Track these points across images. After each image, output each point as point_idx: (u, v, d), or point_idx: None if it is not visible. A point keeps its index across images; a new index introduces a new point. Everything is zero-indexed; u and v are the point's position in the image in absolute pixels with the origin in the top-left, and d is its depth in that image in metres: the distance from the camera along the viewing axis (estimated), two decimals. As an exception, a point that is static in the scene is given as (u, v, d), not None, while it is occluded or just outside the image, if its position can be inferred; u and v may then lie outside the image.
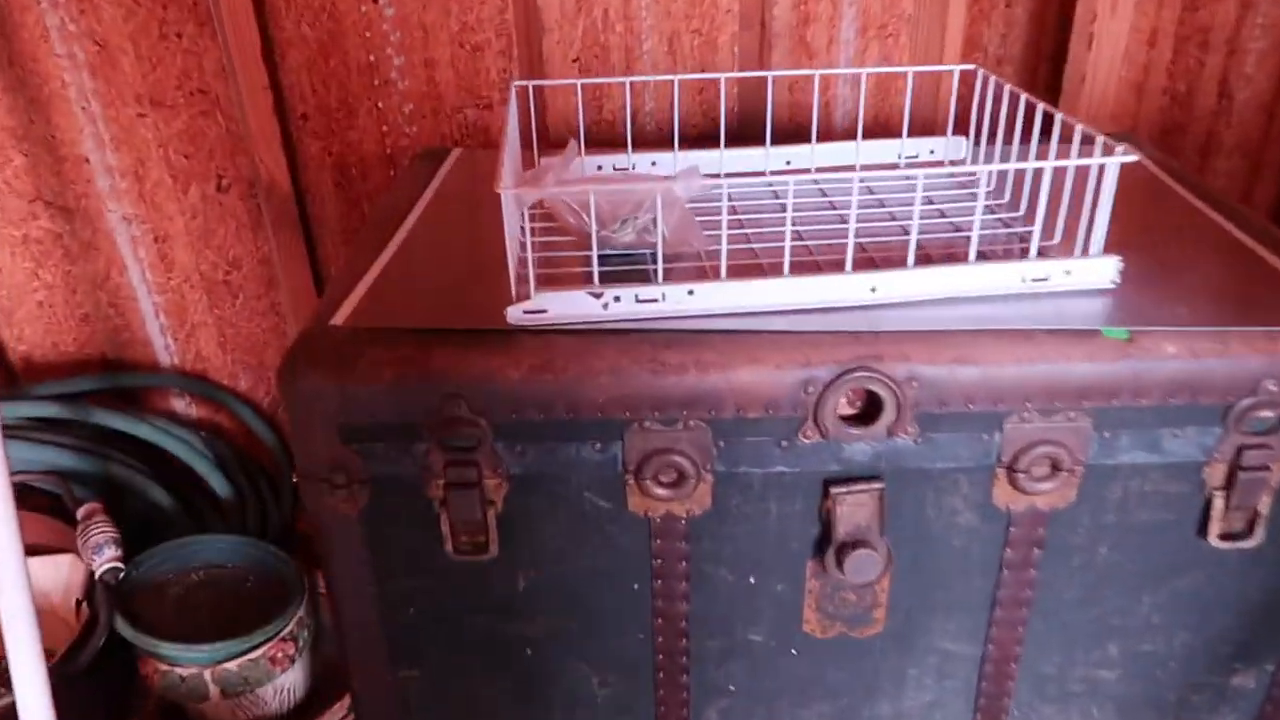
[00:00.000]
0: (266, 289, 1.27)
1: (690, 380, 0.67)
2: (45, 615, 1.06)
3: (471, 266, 0.79)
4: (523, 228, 0.65)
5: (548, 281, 0.71)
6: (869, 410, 0.68)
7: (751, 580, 0.75)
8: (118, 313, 1.22)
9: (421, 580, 0.74)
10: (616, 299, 0.70)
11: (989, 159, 0.93)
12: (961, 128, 0.96)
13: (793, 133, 1.18)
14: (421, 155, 1.08)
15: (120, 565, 0.93)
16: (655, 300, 0.70)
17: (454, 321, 0.70)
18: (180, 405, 1.30)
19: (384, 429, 0.68)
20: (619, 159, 0.96)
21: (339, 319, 0.71)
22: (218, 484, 1.12)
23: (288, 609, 0.96)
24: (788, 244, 0.70)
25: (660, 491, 0.70)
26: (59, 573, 1.01)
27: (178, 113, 1.13)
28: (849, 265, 0.71)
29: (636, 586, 0.74)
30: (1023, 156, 0.82)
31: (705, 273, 0.75)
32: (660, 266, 0.70)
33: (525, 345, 0.68)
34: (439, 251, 0.82)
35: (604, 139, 1.19)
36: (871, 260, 0.77)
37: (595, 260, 0.69)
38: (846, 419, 0.68)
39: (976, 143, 0.94)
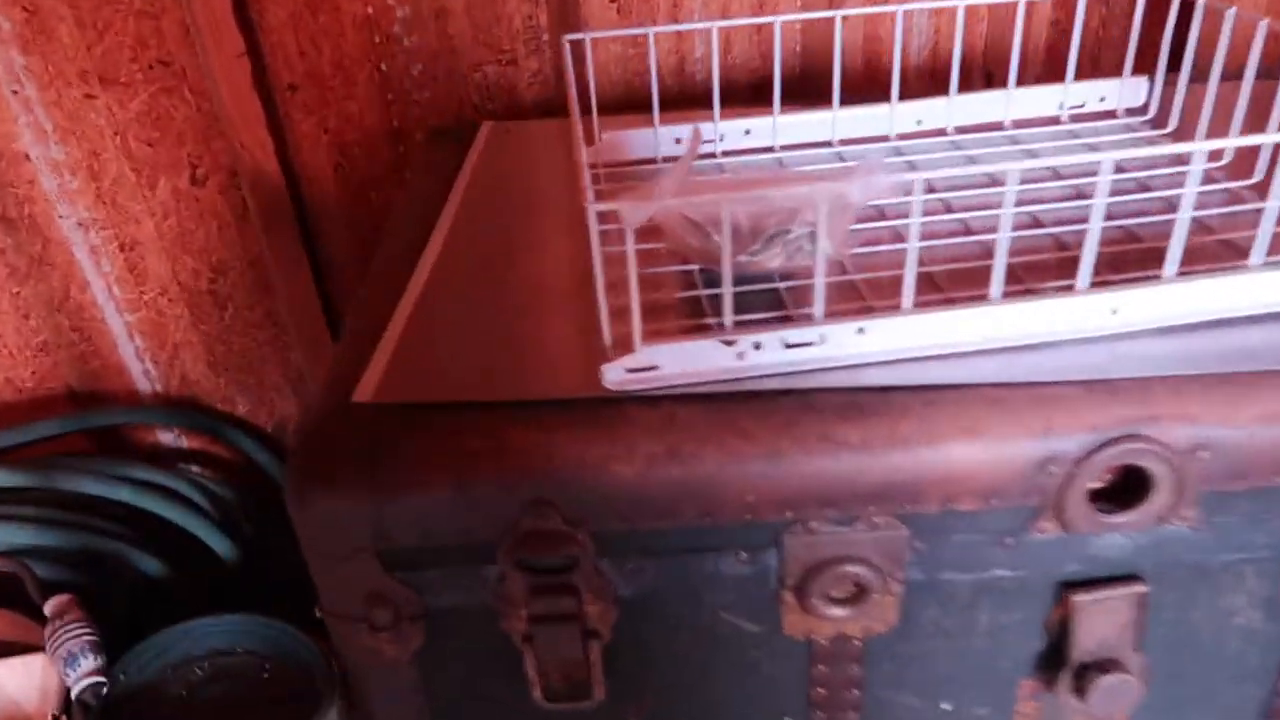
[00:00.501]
0: (260, 295, 1.06)
1: (877, 465, 0.47)
2: (20, 725, 0.87)
3: (536, 302, 0.58)
4: (626, 253, 0.44)
5: (649, 321, 0.50)
6: (1130, 487, 0.48)
7: (945, 707, 0.55)
8: (82, 337, 1.01)
9: (504, 735, 0.55)
10: (756, 346, 0.49)
11: (1170, 104, 0.70)
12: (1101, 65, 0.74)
13: (863, 85, 0.95)
14: (439, 134, 0.87)
15: (101, 679, 0.74)
16: (811, 344, 0.49)
17: (529, 389, 0.50)
18: (167, 439, 1.10)
19: (441, 551, 0.48)
20: (702, 127, 0.73)
21: (363, 394, 0.51)
22: (218, 545, 0.92)
23: (315, 713, 0.77)
24: (1003, 251, 0.49)
25: (831, 611, 0.50)
26: (31, 678, 0.82)
27: (135, 91, 0.91)
28: (1083, 278, 0.50)
29: (789, 723, 0.55)
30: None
31: (858, 298, 0.53)
32: (820, 296, 0.48)
33: (637, 421, 0.48)
34: (487, 280, 0.61)
35: (642, 101, 0.96)
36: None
37: (728, 296, 0.48)
38: (1097, 499, 0.48)
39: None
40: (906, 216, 0.48)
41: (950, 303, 0.50)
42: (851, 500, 0.47)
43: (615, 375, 0.49)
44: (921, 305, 0.49)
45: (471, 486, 0.47)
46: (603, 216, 0.46)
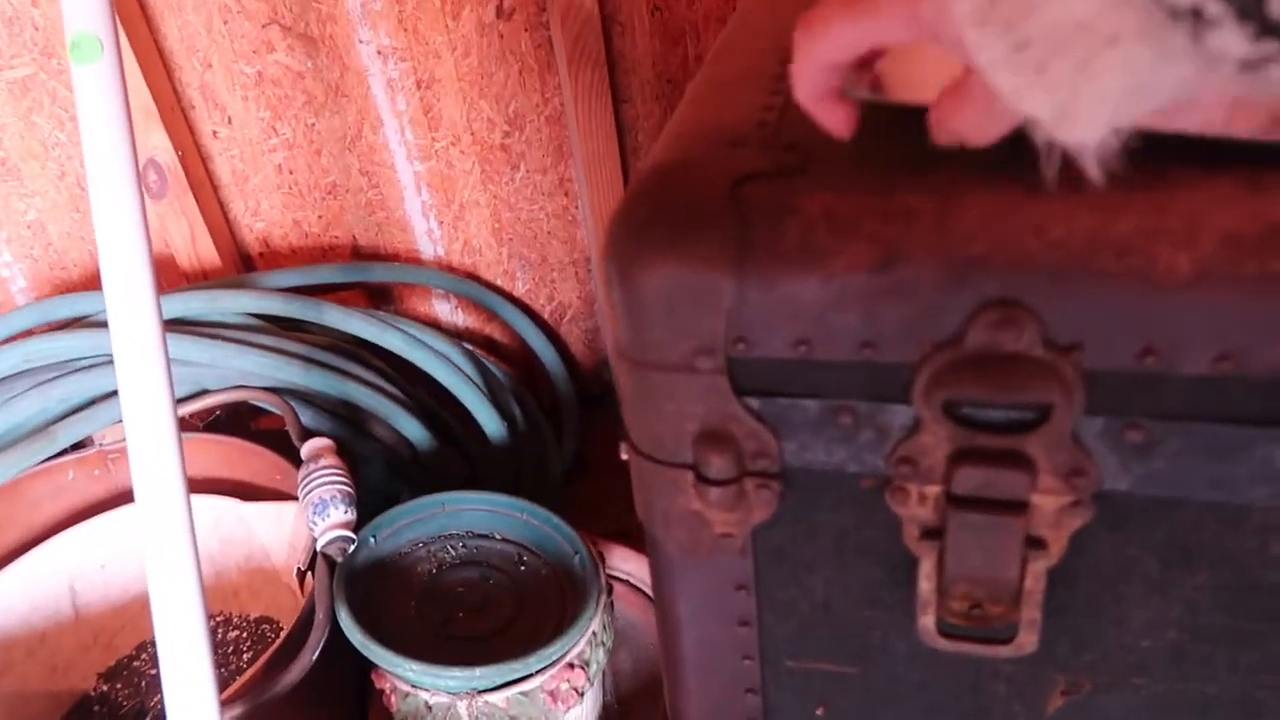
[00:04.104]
0: (555, 159, 0.95)
1: None
2: (265, 578, 0.81)
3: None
4: None
5: None
6: None
7: None
8: (370, 184, 0.93)
9: (864, 678, 0.37)
10: None
11: None
12: None
13: None
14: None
15: (350, 534, 0.65)
16: None
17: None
18: (444, 310, 1.02)
19: (824, 373, 0.31)
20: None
21: (729, 137, 0.34)
22: (486, 419, 0.81)
23: (578, 618, 0.64)
24: None
25: None
26: (282, 525, 0.75)
27: (450, -101, 0.81)
28: None
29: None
30: None
31: None
32: None
33: (1204, 182, 0.28)
34: None
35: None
36: None
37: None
38: None
39: None
40: None
41: None
42: None
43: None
44: None
45: (896, 265, 0.29)
46: None
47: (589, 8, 0.82)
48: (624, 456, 0.36)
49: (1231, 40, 0.22)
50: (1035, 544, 0.32)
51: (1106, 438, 0.30)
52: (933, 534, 0.33)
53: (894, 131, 0.31)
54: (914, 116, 0.29)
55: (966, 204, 0.29)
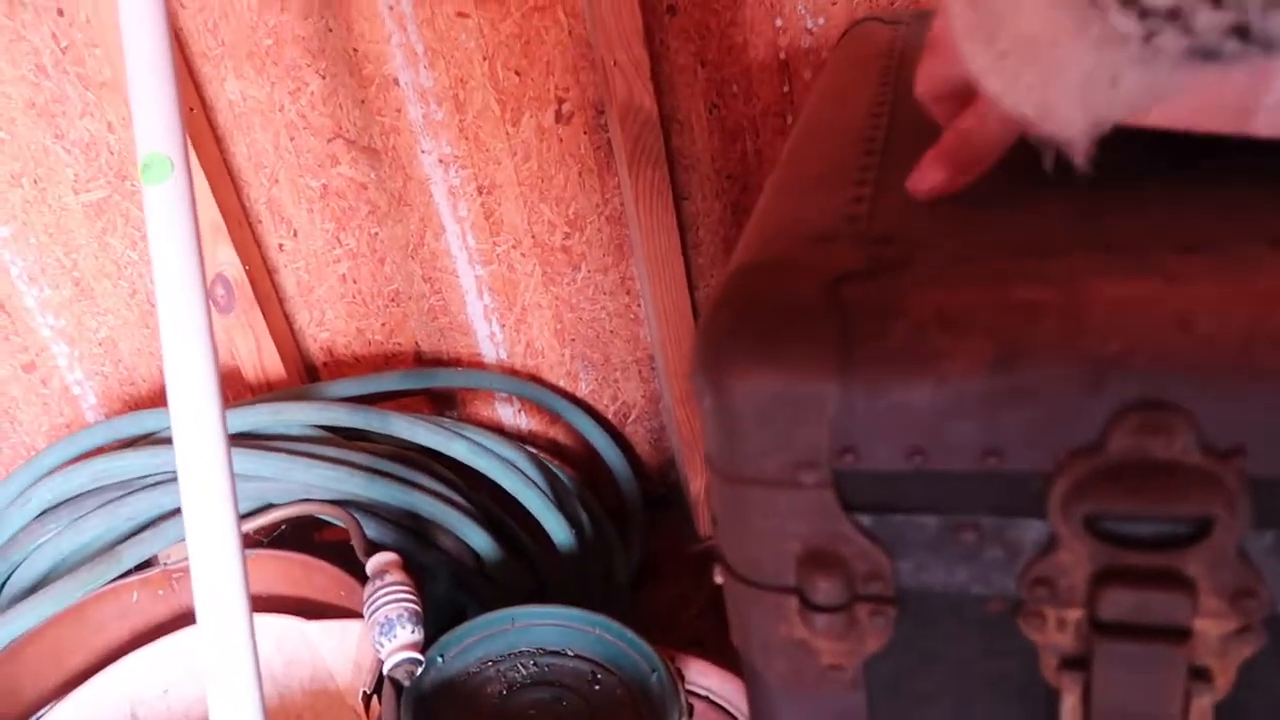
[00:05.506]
0: (616, 259, 0.94)
1: None
2: (330, 700, 0.78)
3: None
4: None
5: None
6: None
7: None
8: (433, 290, 0.93)
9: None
10: None
11: None
12: None
13: None
14: (863, 22, 0.69)
15: (418, 655, 0.62)
16: None
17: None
18: (507, 414, 1.00)
19: (943, 485, 0.28)
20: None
21: (818, 233, 0.32)
22: (554, 528, 0.79)
23: (657, 744, 0.59)
24: None
25: None
26: (345, 644, 0.72)
27: (508, 10, 0.82)
28: None
29: None
30: None
31: None
32: None
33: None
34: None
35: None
36: None
37: None
38: None
39: None
40: None
41: None
42: None
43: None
44: None
45: (1018, 365, 0.26)
46: None
47: (648, 108, 0.82)
48: (718, 580, 0.33)
49: (1123, 22, 0.24)
50: (1199, 675, 0.28)
51: (1277, 554, 0.26)
52: (1076, 664, 0.29)
53: (1000, 213, 0.29)
54: (1023, 193, 0.27)
55: (1096, 294, 0.26)
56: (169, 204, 0.44)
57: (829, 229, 0.33)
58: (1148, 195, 0.31)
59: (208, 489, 0.48)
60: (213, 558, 0.48)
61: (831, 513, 0.29)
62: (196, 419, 0.48)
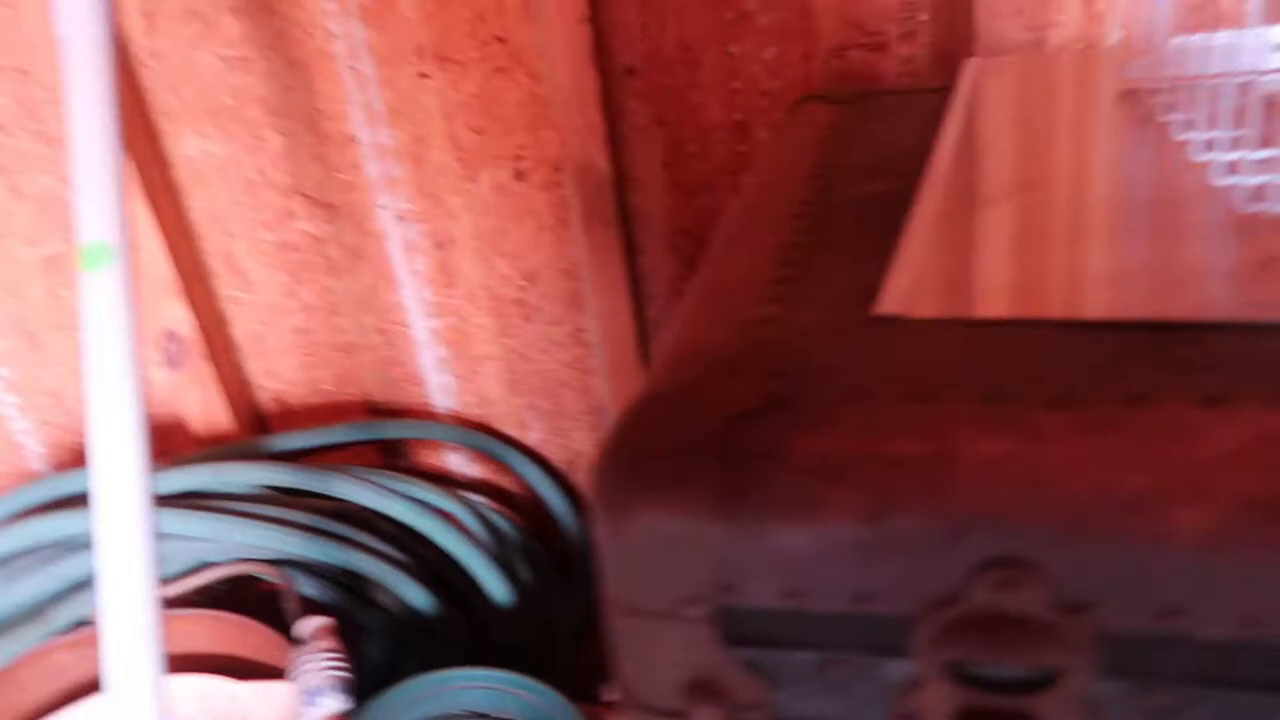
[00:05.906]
0: (568, 310, 0.95)
1: None
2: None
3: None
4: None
5: None
6: None
7: None
8: (386, 341, 0.94)
9: None
10: None
11: None
12: None
13: None
14: (807, 101, 0.70)
15: (345, 724, 0.62)
16: None
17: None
18: (456, 462, 1.01)
19: (817, 625, 0.29)
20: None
21: (722, 361, 0.33)
22: (492, 585, 0.79)
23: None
24: None
25: None
26: (271, 707, 0.72)
27: (468, 71, 0.84)
28: None
29: None
30: None
31: None
32: None
33: (1220, 427, 0.27)
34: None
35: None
36: None
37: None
38: None
39: None
40: None
41: None
42: None
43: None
44: None
45: (888, 518, 0.27)
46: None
47: (602, 169, 0.84)
48: (604, 698, 0.34)
49: None
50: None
51: (1127, 701, 0.28)
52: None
53: (903, 337, 0.30)
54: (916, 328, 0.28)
55: (961, 451, 0.28)
56: (107, 292, 0.44)
57: (732, 357, 0.34)
58: (1038, 335, 0.33)
59: (122, 551, 0.48)
60: (123, 620, 0.48)
61: (713, 646, 0.30)
62: (119, 507, 0.48)
